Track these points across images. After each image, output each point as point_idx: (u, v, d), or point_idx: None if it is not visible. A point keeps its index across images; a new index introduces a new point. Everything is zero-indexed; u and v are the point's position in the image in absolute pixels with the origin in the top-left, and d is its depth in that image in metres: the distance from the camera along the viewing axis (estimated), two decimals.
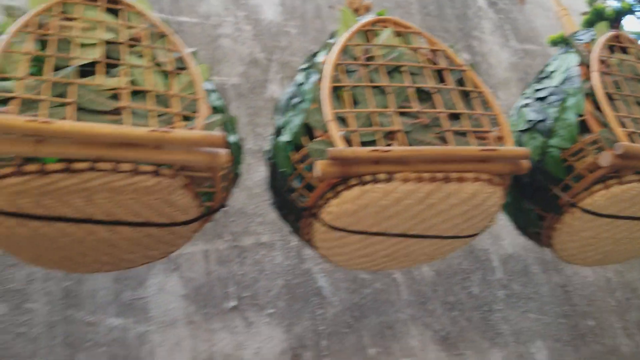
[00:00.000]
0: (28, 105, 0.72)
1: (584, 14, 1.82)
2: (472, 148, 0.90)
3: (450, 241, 1.03)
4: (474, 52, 2.05)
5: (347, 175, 0.84)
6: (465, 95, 1.00)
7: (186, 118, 0.81)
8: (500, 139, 0.95)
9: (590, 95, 1.05)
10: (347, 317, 1.23)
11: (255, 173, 1.39)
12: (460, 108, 0.96)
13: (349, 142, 0.86)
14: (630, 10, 1.73)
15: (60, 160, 0.71)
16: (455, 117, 0.96)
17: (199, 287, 1.19)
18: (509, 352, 1.34)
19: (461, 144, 0.92)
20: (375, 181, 0.84)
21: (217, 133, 0.77)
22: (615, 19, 1.72)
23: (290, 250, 1.31)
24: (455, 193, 0.89)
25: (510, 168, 0.92)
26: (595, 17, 1.73)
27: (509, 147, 0.92)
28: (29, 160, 0.71)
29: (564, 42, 1.25)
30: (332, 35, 1.05)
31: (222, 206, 0.89)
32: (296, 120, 0.92)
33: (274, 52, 1.68)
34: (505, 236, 1.58)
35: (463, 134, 0.93)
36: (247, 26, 1.70)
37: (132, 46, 0.84)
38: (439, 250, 1.06)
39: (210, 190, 0.85)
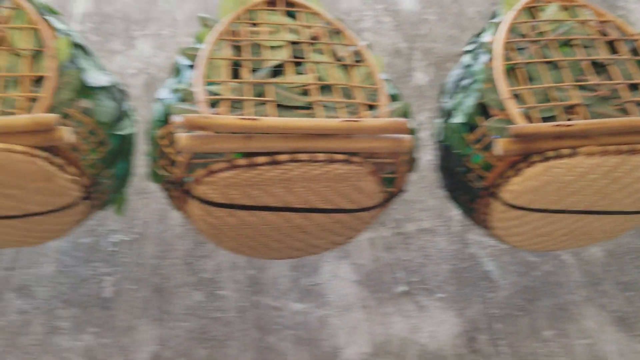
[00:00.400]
0: (234, 105, 0.80)
1: None
2: None
3: (632, 217, 0.99)
4: None
5: (529, 151, 0.84)
6: None
7: (369, 107, 0.85)
8: None
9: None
10: (518, 299, 1.22)
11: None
12: (638, 78, 0.93)
13: (528, 118, 0.86)
14: None
15: (264, 154, 0.78)
16: (634, 87, 0.93)
17: (369, 273, 1.24)
18: None
19: None
20: (559, 157, 0.84)
21: (401, 119, 0.80)
22: None
23: (453, 235, 1.32)
24: None
25: None
26: None
27: None
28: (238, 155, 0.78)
29: None
30: (494, 15, 1.05)
31: (402, 191, 0.92)
32: (469, 101, 0.93)
33: (416, 41, 1.69)
34: None
35: None
36: (386, 18, 1.73)
37: (312, 44, 0.90)
38: (619, 227, 1.03)
39: (392, 176, 0.89)
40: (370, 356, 1.14)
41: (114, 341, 1.12)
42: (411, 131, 0.91)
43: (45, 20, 0.87)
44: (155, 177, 0.89)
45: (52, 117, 0.75)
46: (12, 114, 0.77)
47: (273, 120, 0.76)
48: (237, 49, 0.88)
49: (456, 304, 1.23)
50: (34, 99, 0.79)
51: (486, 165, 0.90)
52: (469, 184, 0.95)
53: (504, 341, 1.18)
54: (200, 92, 0.79)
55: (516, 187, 0.87)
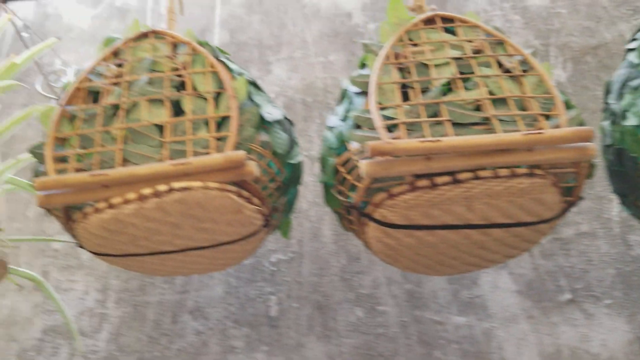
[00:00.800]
0: (409, 128, 0.81)
1: None
2: None
3: None
4: None
5: None
6: None
7: (546, 117, 0.83)
8: None
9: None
10: None
11: None
12: None
13: None
14: None
15: (444, 173, 0.78)
16: None
17: (530, 282, 1.21)
18: None
19: None
20: None
21: (585, 128, 0.78)
22: None
23: (614, 237, 1.26)
24: None
25: None
26: None
27: None
28: (418, 177, 0.79)
29: None
30: None
31: (580, 199, 0.89)
32: None
33: (549, 37, 1.63)
34: None
35: None
36: (515, 16, 1.68)
37: (477, 58, 0.89)
38: None
39: (571, 185, 0.86)
40: None
41: (286, 359, 1.16)
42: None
43: (222, 62, 0.93)
44: (333, 202, 0.92)
45: (242, 154, 0.79)
46: (204, 153, 0.82)
47: (454, 139, 0.76)
48: (403, 71, 0.89)
49: (626, 310, 1.17)
50: (220, 138, 0.84)
51: None
52: None
53: None
54: (377, 118, 0.80)
55: None
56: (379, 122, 0.80)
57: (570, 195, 0.88)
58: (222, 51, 0.98)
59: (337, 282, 1.25)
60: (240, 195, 0.83)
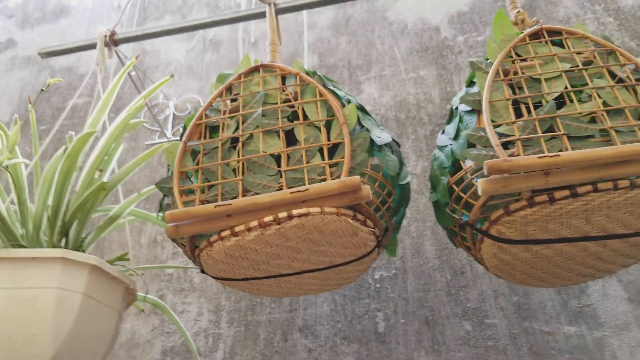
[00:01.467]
0: (525, 143, 0.81)
1: None
2: None
3: None
4: None
5: None
6: None
7: None
8: None
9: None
10: None
11: None
12: None
13: None
14: None
15: (563, 187, 0.78)
16: None
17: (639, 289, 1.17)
18: None
19: None
20: None
21: None
22: None
23: None
24: None
25: None
26: None
27: None
28: (536, 191, 0.79)
29: None
30: None
31: None
32: None
33: None
34: None
35: None
36: (609, 18, 1.64)
37: (588, 69, 0.88)
38: None
39: None
40: None
41: None
42: None
43: (330, 90, 0.96)
44: (446, 220, 0.93)
45: (356, 179, 0.82)
46: (320, 180, 0.86)
47: (573, 154, 0.76)
48: (514, 87, 0.89)
49: None
50: (334, 164, 0.87)
51: None
52: None
53: None
54: (492, 135, 0.81)
55: None
56: (494, 140, 0.81)
57: None
58: (329, 79, 1.02)
59: (443, 297, 1.26)
60: (355, 219, 0.86)
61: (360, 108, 0.97)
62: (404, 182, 0.97)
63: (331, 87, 0.98)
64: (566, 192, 0.78)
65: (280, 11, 1.27)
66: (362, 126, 0.93)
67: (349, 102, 0.96)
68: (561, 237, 0.84)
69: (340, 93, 0.98)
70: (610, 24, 1.63)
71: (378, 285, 1.31)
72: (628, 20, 1.63)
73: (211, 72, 1.83)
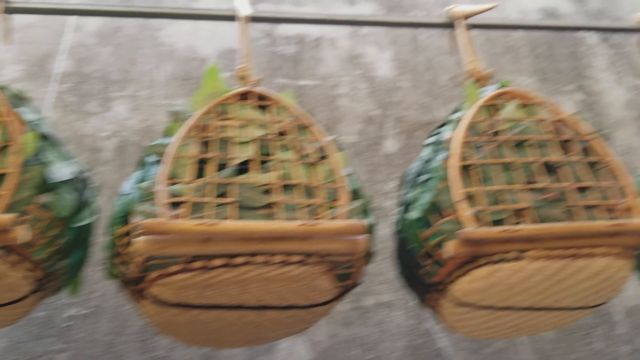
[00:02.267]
0: (196, 206, 0.83)
1: None
2: (602, 223, 0.90)
3: (578, 311, 1.03)
4: (587, 91, 2.01)
5: (477, 254, 0.88)
6: (592, 165, 1.01)
7: (330, 206, 0.89)
8: (629, 210, 0.95)
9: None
10: None
11: (375, 231, 1.44)
12: (588, 180, 0.97)
13: (478, 221, 0.90)
14: None
15: (220, 256, 0.81)
16: (582, 189, 0.97)
17: (325, 350, 1.25)
18: None
19: (589, 218, 0.93)
20: (505, 260, 0.88)
21: (358, 222, 0.84)
22: None
23: (410, 310, 1.35)
24: (584, 268, 0.90)
25: None
26: None
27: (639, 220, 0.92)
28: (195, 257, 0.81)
29: None
30: (456, 109, 1.10)
31: (357, 284, 0.95)
32: (425, 198, 0.97)
33: (389, 108, 1.75)
34: (627, 288, 1.53)
35: (591, 207, 0.94)
36: (362, 84, 1.78)
37: (280, 140, 0.93)
38: (565, 320, 1.06)
39: (348, 272, 0.92)
40: None
41: None
42: (369, 229, 0.95)
43: (16, 112, 0.89)
44: (111, 274, 0.91)
45: (8, 218, 0.75)
46: None
47: (231, 224, 0.79)
48: (206, 144, 0.91)
49: None
50: None
51: (437, 262, 0.94)
52: (421, 278, 0.98)
53: None
54: (162, 193, 0.82)
55: (463, 286, 0.91)
56: (162, 198, 0.81)
57: (348, 280, 0.93)
58: (22, 97, 0.95)
59: (133, 343, 1.23)
60: (4, 260, 0.79)
61: (49, 137, 0.92)
62: (82, 223, 0.92)
63: (21, 109, 0.91)
64: (221, 261, 0.80)
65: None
66: (40, 159, 0.87)
67: (36, 128, 0.90)
68: (217, 304, 0.87)
69: (31, 116, 0.91)
70: (363, 90, 1.78)
71: (67, 324, 1.24)
72: (379, 90, 1.79)
73: None
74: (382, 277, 1.38)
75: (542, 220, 0.92)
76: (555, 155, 1.00)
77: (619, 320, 1.47)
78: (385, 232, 1.40)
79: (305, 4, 1.89)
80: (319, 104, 1.68)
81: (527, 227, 0.88)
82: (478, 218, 0.91)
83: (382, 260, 1.40)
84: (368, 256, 0.96)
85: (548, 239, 0.89)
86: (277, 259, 0.81)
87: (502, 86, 1.12)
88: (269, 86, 1.63)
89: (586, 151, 1.03)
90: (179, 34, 1.73)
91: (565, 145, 1.03)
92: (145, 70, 1.65)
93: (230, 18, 1.18)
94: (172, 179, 0.85)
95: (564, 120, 1.06)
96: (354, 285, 0.95)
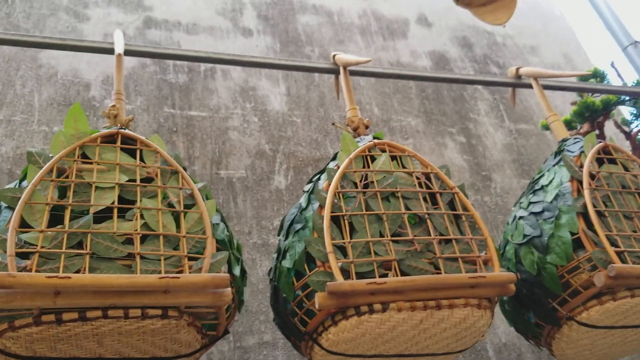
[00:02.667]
0: (48, 257, 0.78)
1: (573, 104, 1.89)
2: (462, 276, 0.94)
3: (444, 356, 1.07)
4: (470, 134, 2.12)
5: (345, 306, 0.89)
6: (456, 217, 1.06)
7: (195, 257, 0.86)
8: (488, 262, 1.00)
9: (582, 213, 1.11)
10: None
11: (260, 268, 1.43)
12: (451, 232, 1.01)
13: (347, 273, 0.91)
14: (617, 102, 1.80)
15: (74, 309, 0.77)
16: (447, 240, 1.01)
17: None
18: None
19: (451, 269, 0.97)
20: (371, 311, 0.89)
21: (221, 275, 0.82)
22: (603, 110, 1.79)
23: (292, 349, 1.35)
24: (446, 318, 0.94)
25: (498, 291, 0.97)
26: (584, 109, 1.80)
27: (497, 273, 0.97)
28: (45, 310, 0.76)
29: (556, 153, 1.31)
30: (334, 157, 1.11)
31: (225, 333, 0.93)
32: (298, 248, 0.97)
33: (280, 143, 1.75)
34: (499, 324, 1.61)
35: (454, 258, 0.98)
36: (254, 118, 1.77)
37: (145, 186, 0.90)
38: None
39: (214, 322, 0.90)
40: None
41: None
42: (236, 277, 0.93)
43: None
44: None
45: None
46: None
47: (85, 277, 0.75)
48: (63, 190, 0.86)
49: None
50: None
51: (309, 312, 0.94)
52: (295, 326, 0.98)
53: None
54: (10, 243, 0.76)
55: (333, 336, 0.92)
56: (10, 249, 0.76)
57: (215, 330, 0.92)
58: None
59: None
60: None
61: None
62: None
63: None
64: (75, 315, 0.76)
65: None
66: None
67: None
68: (73, 357, 0.82)
69: None
70: (254, 124, 1.77)
71: None
72: (270, 124, 1.78)
73: None
74: (265, 315, 1.37)
75: (408, 271, 0.95)
76: (422, 207, 1.03)
77: (490, 356, 1.54)
78: (265, 270, 1.39)
79: (198, 33, 1.87)
80: (208, 136, 1.65)
81: (391, 280, 0.90)
82: (347, 270, 0.92)
83: (264, 299, 1.39)
84: (237, 306, 0.94)
85: (412, 290, 0.91)
86: (135, 312, 0.78)
87: (376, 137, 1.15)
88: (157, 116, 1.60)
89: (451, 203, 1.08)
90: (61, 56, 1.65)
91: (432, 196, 1.08)
92: (23, 93, 1.55)
93: (110, 51, 1.14)
94: (23, 227, 0.80)
95: (432, 173, 1.10)
96: (222, 334, 0.93)
